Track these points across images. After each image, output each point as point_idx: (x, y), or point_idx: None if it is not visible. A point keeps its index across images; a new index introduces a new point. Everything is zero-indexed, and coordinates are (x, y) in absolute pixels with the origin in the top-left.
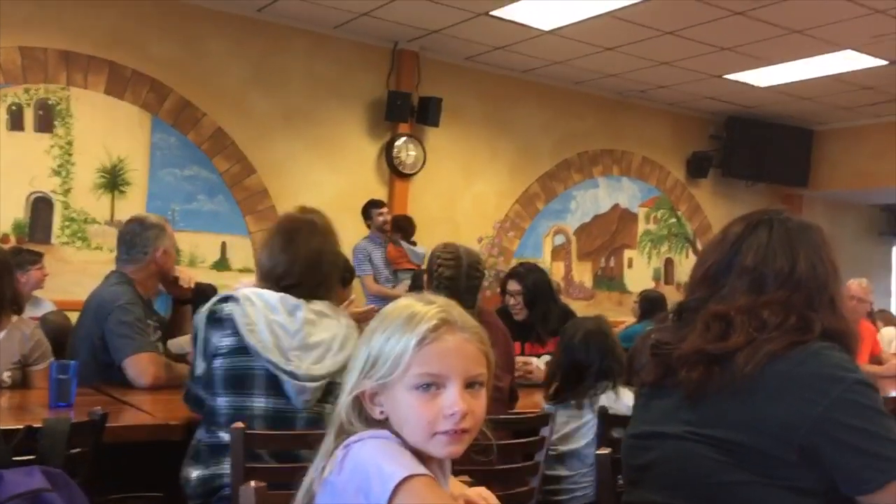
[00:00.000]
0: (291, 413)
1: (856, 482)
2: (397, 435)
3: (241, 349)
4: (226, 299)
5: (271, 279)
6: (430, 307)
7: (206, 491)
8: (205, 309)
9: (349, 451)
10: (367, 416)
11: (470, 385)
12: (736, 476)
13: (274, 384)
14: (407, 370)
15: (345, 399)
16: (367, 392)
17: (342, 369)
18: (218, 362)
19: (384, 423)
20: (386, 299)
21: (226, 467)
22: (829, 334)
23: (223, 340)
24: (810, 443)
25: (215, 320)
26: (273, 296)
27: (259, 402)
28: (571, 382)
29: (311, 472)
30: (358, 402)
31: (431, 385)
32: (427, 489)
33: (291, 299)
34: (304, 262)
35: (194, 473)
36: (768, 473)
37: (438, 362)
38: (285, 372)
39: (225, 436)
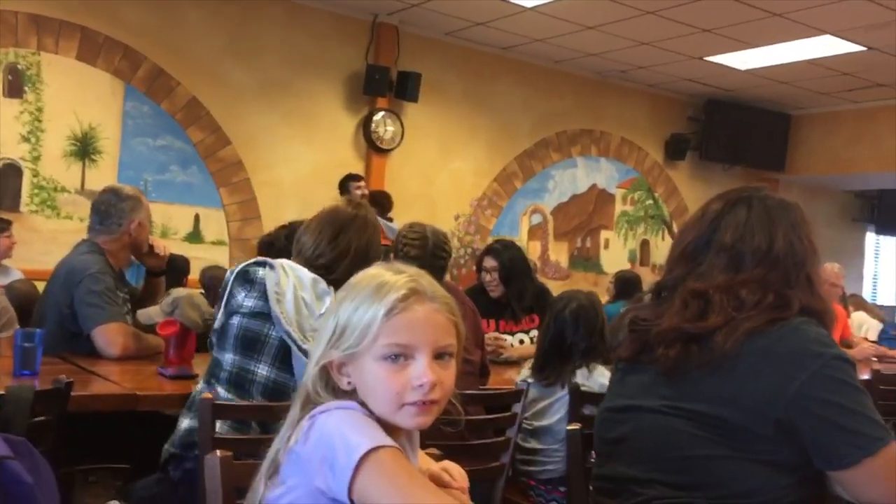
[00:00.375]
0: (290, 386)
1: (831, 457)
2: (364, 406)
3: (262, 314)
4: (262, 264)
5: (311, 267)
6: (400, 276)
7: (189, 443)
8: (237, 267)
9: (315, 421)
10: (333, 387)
11: (439, 356)
12: (712, 450)
13: (283, 356)
14: (375, 340)
15: (311, 369)
16: (335, 362)
17: None
18: (235, 319)
19: (351, 395)
20: None
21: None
22: (806, 311)
23: (247, 301)
24: (787, 417)
25: (246, 280)
26: (307, 274)
27: (263, 370)
28: (554, 357)
29: (277, 442)
30: (325, 373)
31: (400, 356)
32: (393, 460)
33: (323, 284)
34: (352, 259)
35: (185, 423)
36: (744, 447)
37: (407, 332)
38: (301, 350)
39: (221, 391)
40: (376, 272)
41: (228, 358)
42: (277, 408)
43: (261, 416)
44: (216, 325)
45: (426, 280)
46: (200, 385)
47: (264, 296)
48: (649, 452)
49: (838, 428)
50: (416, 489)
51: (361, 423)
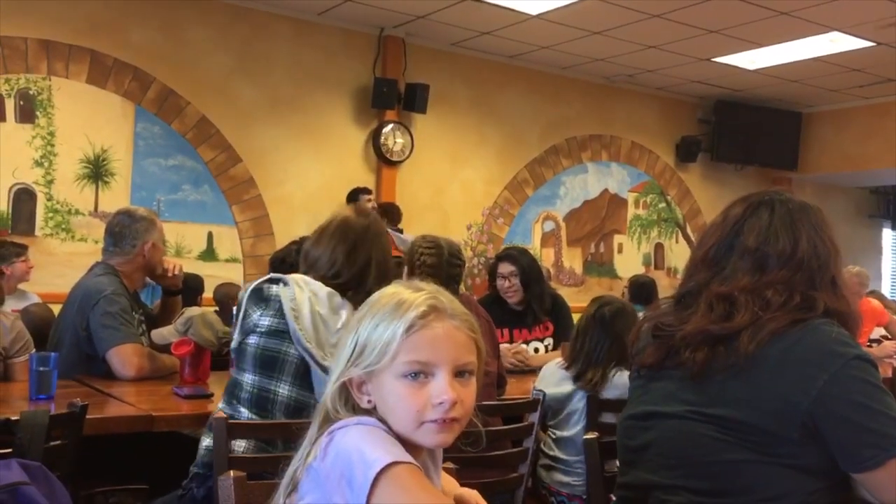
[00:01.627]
0: (312, 403)
1: (855, 459)
2: (384, 423)
3: (280, 332)
4: (276, 281)
5: (328, 283)
6: (419, 294)
7: (211, 462)
8: (251, 285)
9: (333, 437)
10: (353, 405)
11: (459, 373)
12: (737, 454)
13: (303, 373)
14: (395, 358)
15: (331, 387)
16: (355, 380)
17: None
18: (252, 339)
19: (371, 413)
20: None
21: (239, 443)
22: (830, 313)
23: (263, 319)
24: (811, 419)
25: (260, 298)
26: (322, 288)
27: (283, 389)
28: (587, 358)
29: (296, 460)
30: (344, 391)
31: (420, 373)
32: (411, 477)
33: (338, 297)
34: (375, 274)
35: (205, 442)
36: (770, 451)
37: (427, 350)
38: (321, 367)
39: (244, 411)
40: (395, 290)
41: (248, 378)
42: (295, 425)
43: (276, 434)
44: (233, 344)
45: (445, 297)
46: (221, 405)
47: (280, 313)
48: (674, 459)
49: (861, 429)
50: None
51: (380, 438)
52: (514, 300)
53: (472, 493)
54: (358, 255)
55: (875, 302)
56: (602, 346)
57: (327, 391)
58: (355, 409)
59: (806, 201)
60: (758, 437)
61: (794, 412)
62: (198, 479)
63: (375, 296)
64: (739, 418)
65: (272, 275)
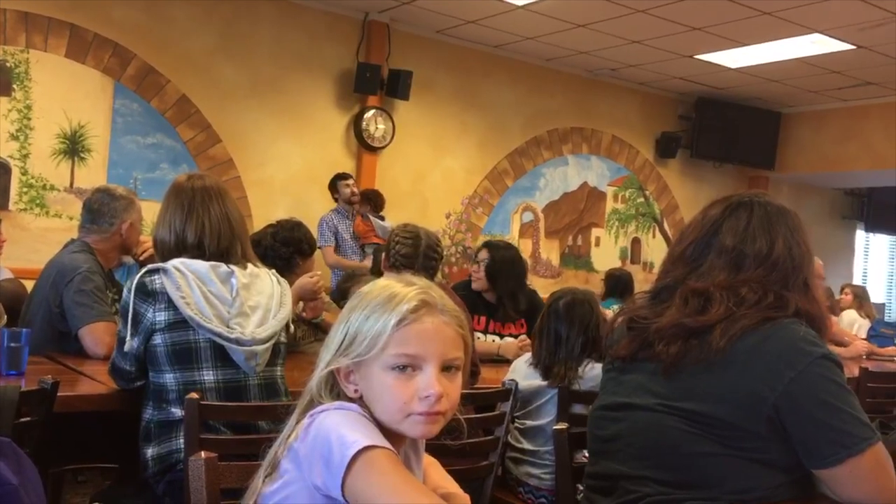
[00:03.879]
0: (244, 381)
1: (817, 455)
2: (368, 412)
3: (180, 322)
4: (155, 271)
5: (180, 252)
6: (411, 288)
7: (163, 468)
8: (133, 282)
9: (314, 419)
10: (339, 393)
11: (447, 368)
12: (705, 447)
13: (221, 354)
14: (384, 349)
15: (318, 374)
16: (342, 369)
17: (285, 328)
18: (158, 339)
19: (356, 401)
20: (343, 269)
21: (180, 442)
22: (801, 313)
23: (159, 315)
24: (776, 413)
25: (146, 293)
26: (202, 265)
27: (208, 375)
28: (551, 353)
29: (277, 442)
30: (331, 378)
31: (408, 366)
32: (387, 462)
33: (223, 267)
34: (213, 229)
35: (149, 452)
36: (736, 445)
37: (417, 343)
38: (230, 340)
39: (177, 411)
40: (387, 283)
41: (170, 378)
42: (269, 407)
43: (248, 416)
44: (127, 348)
45: (436, 292)
46: (150, 412)
47: (172, 305)
48: (643, 450)
49: (824, 426)
50: (409, 490)
51: (359, 423)
52: (477, 286)
53: (463, 499)
54: (196, 215)
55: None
56: (564, 339)
57: (314, 377)
58: (340, 397)
59: (784, 205)
60: (724, 431)
61: (761, 406)
62: (154, 479)
63: (367, 287)
64: (707, 412)
65: (149, 266)
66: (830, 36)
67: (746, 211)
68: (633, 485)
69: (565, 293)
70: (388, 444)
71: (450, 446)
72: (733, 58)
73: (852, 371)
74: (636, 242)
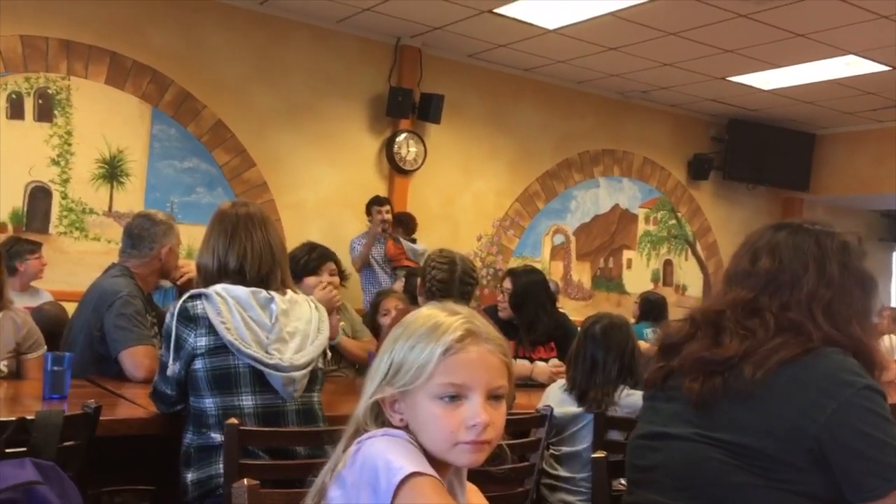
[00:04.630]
0: (282, 407)
1: (859, 489)
2: (414, 438)
3: (220, 348)
4: (197, 296)
5: (221, 277)
6: (455, 318)
7: (203, 493)
8: (175, 307)
9: (361, 446)
10: (384, 421)
11: (492, 397)
12: (743, 478)
13: (259, 380)
14: (430, 379)
15: (363, 403)
16: (388, 399)
17: (323, 353)
18: (199, 364)
19: (403, 429)
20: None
21: (219, 467)
22: (832, 342)
23: (200, 340)
24: (818, 445)
25: (188, 319)
26: (243, 291)
27: (247, 401)
28: (587, 379)
29: (325, 469)
30: (377, 407)
31: (455, 396)
32: (432, 489)
33: (263, 293)
34: (254, 255)
35: (189, 477)
36: (777, 477)
37: (463, 373)
38: (269, 366)
39: (216, 436)
40: (431, 312)
41: (209, 403)
42: (307, 433)
43: (286, 441)
44: (170, 372)
45: (480, 321)
46: (189, 437)
47: (212, 329)
48: (681, 481)
49: (867, 458)
50: None
51: (405, 449)
52: (503, 315)
53: None
54: (239, 241)
55: None
56: (601, 364)
57: (360, 406)
58: (385, 426)
59: (837, 231)
60: (764, 463)
61: (802, 438)
62: (194, 502)
63: (410, 317)
64: (745, 443)
65: (192, 291)
66: (865, 57)
67: (786, 232)
68: None
69: (601, 318)
70: (433, 472)
71: (492, 473)
72: (766, 79)
73: (892, 396)
74: (668, 265)
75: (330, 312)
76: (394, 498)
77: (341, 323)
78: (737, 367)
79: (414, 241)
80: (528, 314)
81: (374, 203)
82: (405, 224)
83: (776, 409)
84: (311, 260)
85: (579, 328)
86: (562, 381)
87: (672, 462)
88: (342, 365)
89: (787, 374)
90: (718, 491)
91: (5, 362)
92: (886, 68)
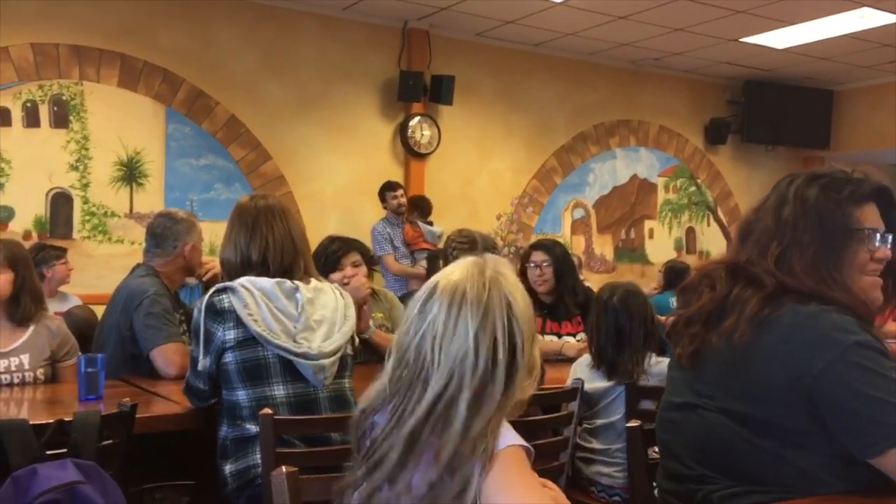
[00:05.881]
0: (313, 395)
1: (857, 447)
2: None
3: (249, 340)
4: (223, 290)
5: (245, 271)
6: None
7: (242, 484)
8: (203, 302)
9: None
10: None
11: None
12: (754, 444)
13: (290, 369)
14: None
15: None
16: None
17: (350, 340)
18: (229, 357)
19: None
20: (407, 278)
21: (256, 458)
22: (789, 291)
23: (228, 334)
24: (814, 408)
25: (216, 313)
26: (268, 282)
27: (279, 391)
28: (613, 350)
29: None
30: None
31: None
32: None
33: (288, 283)
34: (276, 246)
35: (227, 469)
36: (783, 441)
37: None
38: (297, 354)
39: (251, 428)
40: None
41: (242, 395)
42: (341, 419)
43: (320, 427)
44: (201, 367)
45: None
46: (225, 429)
47: (240, 322)
48: (699, 452)
49: (860, 418)
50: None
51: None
52: (544, 289)
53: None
54: (260, 233)
55: None
56: (627, 332)
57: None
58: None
59: (822, 174)
60: (769, 428)
61: (796, 401)
62: (234, 495)
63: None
64: (745, 411)
65: (218, 285)
66: (879, 9)
67: (787, 181)
68: (695, 483)
69: (616, 287)
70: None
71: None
72: (780, 38)
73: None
74: (690, 232)
75: (359, 305)
76: None
77: (378, 315)
78: (708, 327)
79: (431, 223)
80: (570, 282)
81: (387, 189)
82: (420, 207)
83: (766, 373)
84: (331, 255)
85: (594, 303)
86: (587, 358)
87: (684, 432)
88: (373, 359)
89: (771, 336)
90: (732, 456)
91: (41, 370)
92: None
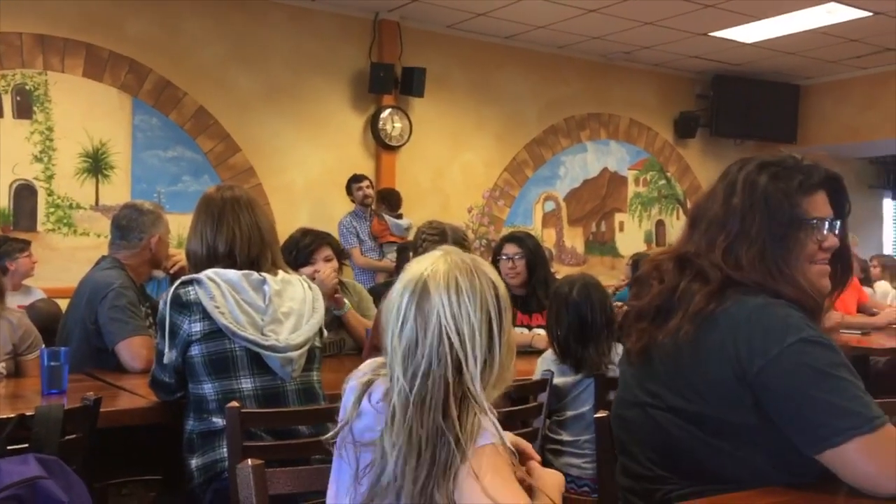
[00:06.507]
0: (281, 387)
1: (801, 443)
2: None
3: (216, 332)
4: (189, 282)
5: (212, 263)
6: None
7: (208, 478)
8: (168, 294)
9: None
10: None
11: None
12: (707, 443)
13: (257, 362)
14: None
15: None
16: None
17: (318, 333)
18: (195, 349)
19: None
20: (374, 271)
21: (223, 451)
22: (735, 284)
23: (194, 326)
24: (759, 403)
25: (182, 305)
26: (235, 274)
27: (246, 384)
28: (577, 343)
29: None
30: None
31: None
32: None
33: (255, 275)
34: (243, 238)
35: (193, 463)
36: (735, 438)
37: None
38: (265, 347)
39: (218, 421)
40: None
41: (208, 388)
42: (309, 412)
43: (288, 421)
44: (167, 360)
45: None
46: (191, 423)
47: (206, 315)
48: (653, 452)
49: (801, 416)
50: None
51: None
52: (516, 282)
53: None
54: (226, 224)
55: (854, 279)
56: (590, 323)
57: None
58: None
59: (766, 162)
60: (717, 426)
61: (742, 398)
62: (200, 488)
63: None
64: (692, 410)
65: (184, 277)
66: (846, 4)
67: (730, 170)
68: (651, 483)
69: (573, 281)
70: None
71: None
72: (748, 33)
73: (886, 342)
74: (660, 225)
75: (330, 294)
76: None
77: (346, 300)
78: (656, 323)
79: (399, 216)
80: (542, 274)
81: (352, 181)
82: (388, 200)
83: (711, 374)
84: (302, 249)
85: (551, 297)
86: (551, 354)
87: (640, 434)
88: (343, 335)
89: (714, 333)
90: (682, 455)
91: (3, 364)
92: (868, 14)
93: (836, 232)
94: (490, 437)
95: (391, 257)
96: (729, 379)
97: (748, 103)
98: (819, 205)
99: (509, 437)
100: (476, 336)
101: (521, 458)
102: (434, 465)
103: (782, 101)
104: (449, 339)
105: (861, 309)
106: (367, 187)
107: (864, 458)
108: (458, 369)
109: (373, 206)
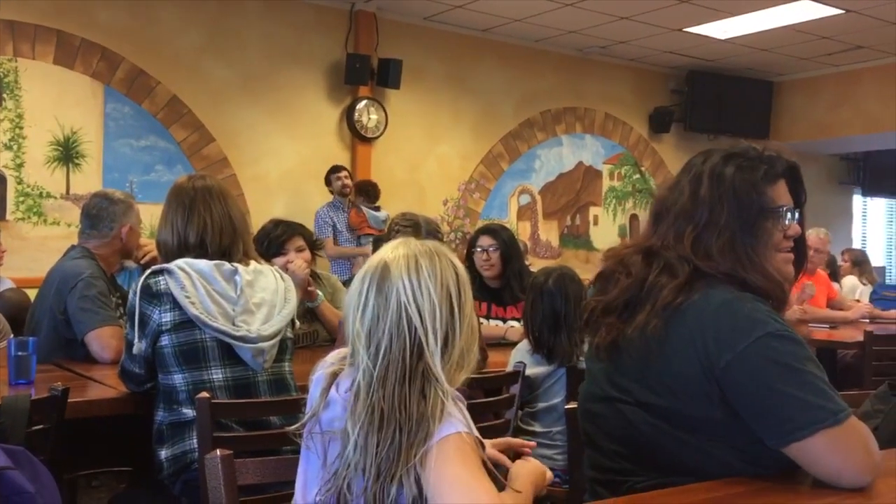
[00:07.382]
0: (252, 378)
1: (766, 437)
2: None
3: (186, 322)
4: (159, 272)
5: (182, 253)
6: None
7: (178, 469)
8: (138, 284)
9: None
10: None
11: None
12: (675, 438)
13: (228, 353)
14: None
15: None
16: None
17: (290, 323)
18: (165, 340)
19: None
20: (350, 262)
21: (193, 442)
22: (704, 276)
23: (164, 316)
24: (725, 397)
25: (151, 295)
26: (206, 264)
27: (217, 374)
28: (551, 334)
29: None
30: None
31: None
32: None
33: (227, 265)
34: (215, 228)
35: (163, 454)
36: (703, 433)
37: None
38: (236, 338)
39: (188, 412)
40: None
41: (178, 379)
42: (280, 402)
43: (258, 412)
44: (136, 350)
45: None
46: (161, 414)
47: (177, 305)
48: (620, 444)
49: (766, 410)
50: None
51: None
52: (490, 274)
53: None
54: (198, 214)
55: (823, 274)
56: (563, 316)
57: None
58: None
59: (731, 153)
60: (685, 420)
61: (708, 392)
62: (170, 480)
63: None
64: (661, 404)
65: (154, 267)
66: (819, 2)
67: (693, 163)
68: (619, 475)
69: (550, 272)
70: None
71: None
72: (722, 29)
73: (854, 336)
74: (634, 219)
75: (303, 286)
76: None
77: (319, 292)
78: (623, 318)
79: (377, 208)
80: (516, 266)
81: (332, 172)
82: (367, 192)
83: (677, 364)
84: (274, 239)
85: (528, 287)
86: (526, 343)
87: (608, 428)
88: (317, 327)
89: (682, 327)
90: (649, 449)
91: None
92: (840, 11)
93: (797, 220)
94: (457, 425)
95: (368, 249)
96: (696, 373)
97: (722, 99)
98: (782, 193)
99: (501, 441)
100: (437, 312)
101: (516, 456)
102: (397, 440)
103: (755, 97)
104: (408, 315)
105: (830, 305)
106: (346, 178)
107: (829, 452)
108: (419, 346)
109: (351, 198)
